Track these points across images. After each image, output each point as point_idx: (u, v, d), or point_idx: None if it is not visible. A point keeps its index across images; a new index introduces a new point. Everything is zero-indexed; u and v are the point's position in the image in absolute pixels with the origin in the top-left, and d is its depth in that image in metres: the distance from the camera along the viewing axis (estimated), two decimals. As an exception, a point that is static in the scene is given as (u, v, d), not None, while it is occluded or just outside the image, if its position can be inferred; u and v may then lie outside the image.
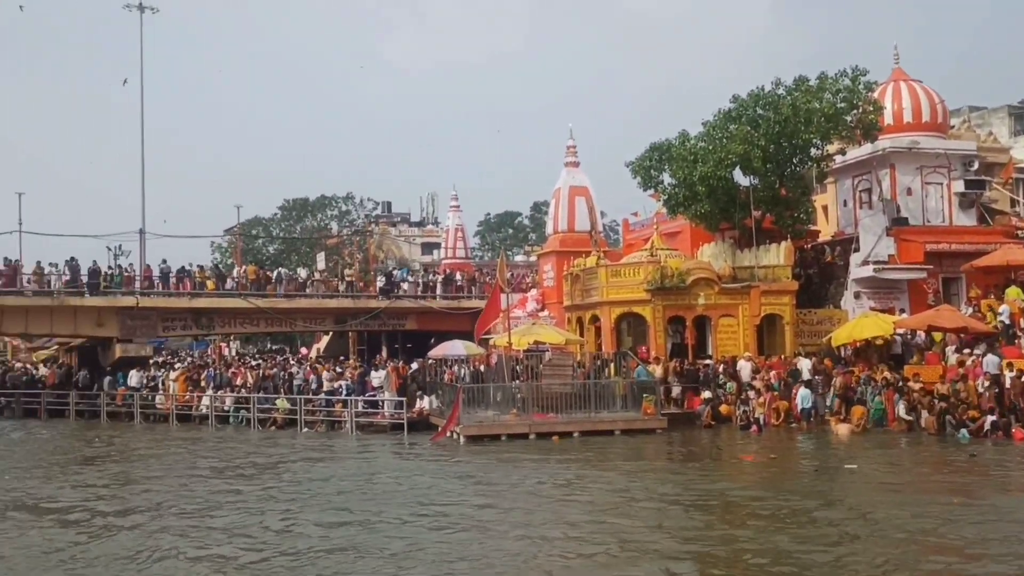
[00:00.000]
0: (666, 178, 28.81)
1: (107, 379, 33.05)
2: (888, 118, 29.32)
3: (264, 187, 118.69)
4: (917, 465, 17.69)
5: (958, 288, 28.79)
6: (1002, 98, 47.71)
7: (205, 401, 29.55)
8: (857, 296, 28.26)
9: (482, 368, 27.31)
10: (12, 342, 57.74)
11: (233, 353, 53.02)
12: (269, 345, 58.27)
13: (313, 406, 27.06)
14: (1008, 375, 20.23)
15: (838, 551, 10.75)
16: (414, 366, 29.29)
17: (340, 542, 11.84)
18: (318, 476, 17.57)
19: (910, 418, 20.99)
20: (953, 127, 34.23)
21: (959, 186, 29.86)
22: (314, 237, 66.71)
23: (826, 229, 34.39)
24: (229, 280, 36.96)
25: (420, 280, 40.99)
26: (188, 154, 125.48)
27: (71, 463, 20.89)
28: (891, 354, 24.56)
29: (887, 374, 22.59)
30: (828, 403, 22.81)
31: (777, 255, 27.13)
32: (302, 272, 41.58)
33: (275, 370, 31.63)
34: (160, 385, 32.02)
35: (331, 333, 44.46)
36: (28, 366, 42.07)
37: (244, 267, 39.83)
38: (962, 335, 23.12)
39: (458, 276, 41.11)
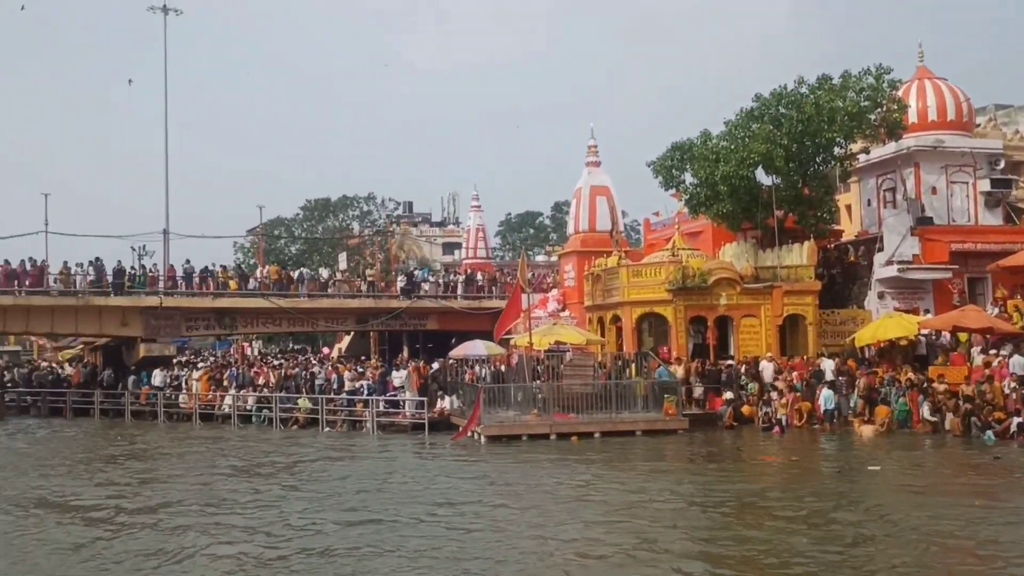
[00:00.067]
0: (688, 177, 28.71)
1: (131, 378, 33.32)
2: (912, 116, 29.06)
3: (286, 187, 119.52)
4: (941, 467, 17.50)
5: (984, 288, 28.47)
6: (1029, 96, 47.13)
7: (228, 400, 29.73)
8: (881, 296, 28.00)
9: (503, 368, 27.29)
10: (38, 341, 58.43)
11: (255, 353, 53.35)
12: (291, 345, 58.55)
13: (335, 406, 27.15)
14: (1034, 376, 19.97)
15: (853, 552, 10.66)
16: (435, 366, 29.33)
17: (358, 541, 11.87)
18: (338, 475, 17.63)
19: (935, 419, 20.77)
20: (979, 125, 33.85)
21: (985, 185, 29.55)
22: (336, 237, 66.97)
23: (849, 229, 34.12)
24: (252, 280, 37.16)
25: (441, 280, 41.04)
26: (211, 155, 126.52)
27: (95, 461, 21.08)
28: (915, 355, 24.32)
29: (911, 375, 22.36)
30: (852, 404, 22.63)
31: (800, 255, 26.94)
32: (324, 272, 41.75)
33: (297, 370, 31.78)
34: (183, 384, 32.26)
35: (353, 333, 44.61)
36: (54, 365, 42.51)
37: (267, 267, 40.05)
38: (988, 336, 22.85)
39: (479, 276, 41.11)
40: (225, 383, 31.29)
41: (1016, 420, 19.23)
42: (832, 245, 30.75)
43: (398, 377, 27.40)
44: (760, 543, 11.27)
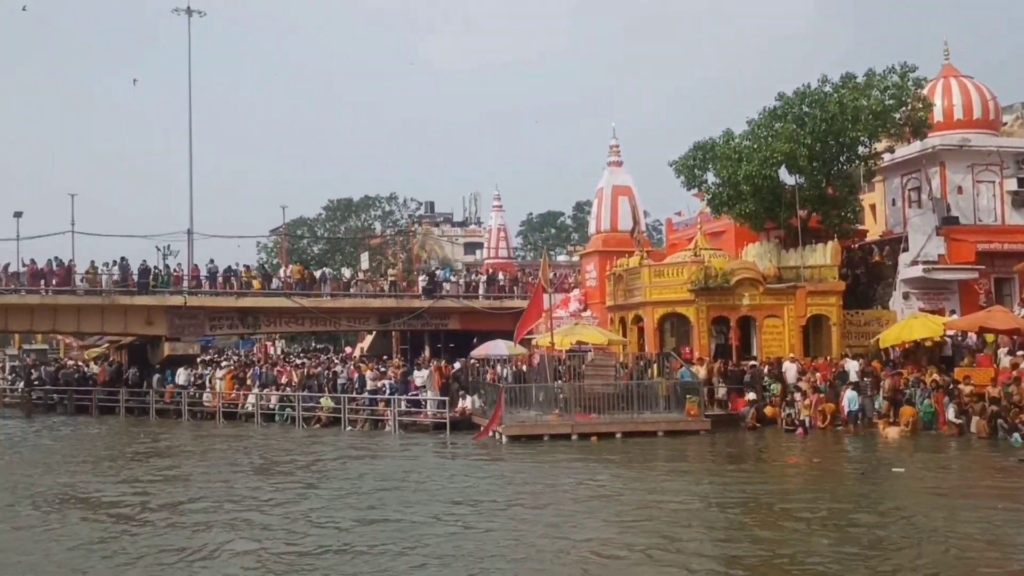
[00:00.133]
0: (710, 177, 28.56)
1: (156, 377, 33.66)
2: (938, 115, 28.81)
3: (309, 188, 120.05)
4: (966, 469, 17.31)
5: (1011, 289, 28.17)
6: (1057, 94, 46.58)
7: (251, 399, 29.94)
8: (906, 297, 27.75)
9: (524, 368, 27.29)
10: (65, 340, 59.01)
11: (278, 352, 53.65)
12: (313, 344, 58.82)
13: (357, 405, 27.26)
14: (1063, 378, 19.73)
15: (871, 554, 10.59)
16: (457, 366, 29.36)
17: (376, 539, 11.93)
18: (359, 474, 17.71)
19: (959, 422, 20.56)
20: (1005, 124, 33.53)
21: (1012, 184, 29.21)
22: (358, 237, 67.22)
23: (874, 228, 33.86)
24: (275, 280, 37.41)
25: (463, 280, 41.10)
26: (234, 157, 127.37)
27: (120, 458, 21.30)
28: (941, 356, 24.09)
29: (937, 376, 22.14)
30: (876, 406, 22.44)
31: (823, 255, 26.75)
32: (346, 272, 41.92)
33: (319, 369, 31.93)
34: (207, 383, 32.50)
35: (375, 332, 44.77)
36: (80, 364, 42.96)
37: (289, 267, 40.27)
38: (1015, 337, 22.57)
39: (501, 276, 41.15)
40: (248, 382, 31.51)
41: (1043, 422, 19.01)
42: (856, 245, 30.50)
43: (420, 377, 27.47)
44: (777, 544, 11.22)
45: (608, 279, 30.53)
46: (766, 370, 24.77)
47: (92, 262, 34.20)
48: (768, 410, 23.43)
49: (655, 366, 25.31)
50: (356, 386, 28.55)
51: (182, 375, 32.75)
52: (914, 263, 27.70)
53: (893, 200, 31.40)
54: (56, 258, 33.89)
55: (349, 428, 26.23)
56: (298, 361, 38.92)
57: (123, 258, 34.45)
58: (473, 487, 15.89)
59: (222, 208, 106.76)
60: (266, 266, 51.87)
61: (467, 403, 25.54)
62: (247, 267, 38.32)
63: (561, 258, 60.55)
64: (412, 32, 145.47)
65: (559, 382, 24.55)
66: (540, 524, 12.68)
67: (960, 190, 28.98)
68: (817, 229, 27.98)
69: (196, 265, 36.74)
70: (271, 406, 29.22)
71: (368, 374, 28.89)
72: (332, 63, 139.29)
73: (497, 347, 27.98)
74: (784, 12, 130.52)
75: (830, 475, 17.03)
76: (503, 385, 23.87)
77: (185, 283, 35.19)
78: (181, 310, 34.17)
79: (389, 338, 45.54)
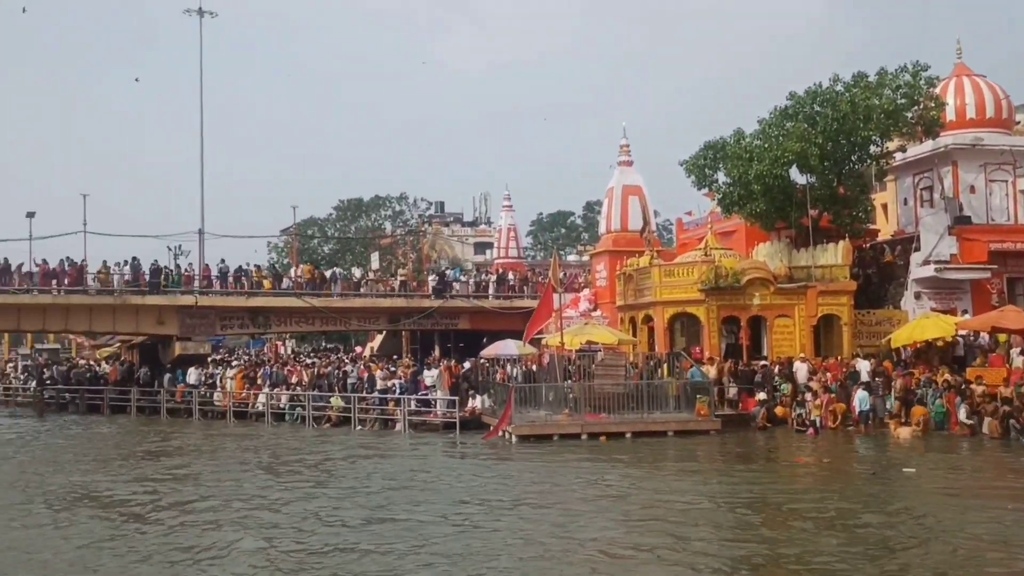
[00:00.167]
0: (721, 177, 28.50)
1: (167, 376, 33.78)
2: (950, 114, 28.70)
3: (319, 188, 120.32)
4: (977, 470, 17.21)
5: (1023, 288, 28.00)
6: (1071, 93, 46.19)
7: (261, 399, 30.02)
8: (918, 296, 27.62)
9: (534, 368, 27.28)
10: (77, 339, 59.30)
11: (288, 351, 53.80)
12: (324, 344, 58.97)
13: (367, 404, 27.29)
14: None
15: (879, 554, 10.56)
16: (466, 365, 29.36)
17: (385, 537, 11.94)
18: (368, 473, 17.74)
19: (971, 422, 20.45)
20: (1019, 123, 33.27)
21: (1025, 183, 29.06)
22: (368, 237, 67.35)
23: (885, 228, 33.72)
24: (285, 279, 37.51)
25: (473, 280, 41.10)
26: (245, 157, 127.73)
27: (131, 457, 21.38)
28: (953, 356, 23.97)
29: (948, 376, 22.03)
30: (888, 406, 22.33)
31: (835, 255, 26.65)
32: (356, 272, 41.98)
33: (330, 368, 31.98)
34: (218, 382, 32.59)
35: (385, 332, 44.83)
36: (92, 363, 43.15)
37: (300, 267, 40.37)
38: (1028, 337, 22.46)
39: (511, 276, 41.14)
40: (259, 381, 31.59)
41: (1056, 423, 18.89)
42: (868, 245, 30.40)
43: (430, 376, 27.47)
44: (785, 544, 11.21)
45: (618, 279, 30.49)
46: (777, 370, 24.69)
47: (104, 262, 34.39)
48: (779, 410, 23.34)
49: (665, 366, 25.25)
50: (366, 386, 28.58)
51: (193, 374, 32.86)
52: (926, 263, 27.56)
53: (905, 199, 31.27)
54: (68, 258, 34.07)
55: (359, 427, 26.26)
56: (308, 361, 39.00)
57: (135, 258, 34.62)
58: (482, 486, 15.89)
59: (233, 208, 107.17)
60: (277, 266, 51.98)
61: (477, 403, 25.54)
62: (258, 267, 38.43)
63: (571, 258, 60.48)
64: (421, 32, 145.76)
65: (569, 382, 24.52)
66: (548, 523, 12.68)
67: (972, 189, 28.84)
68: (828, 229, 27.88)
69: (207, 265, 36.89)
70: (281, 405, 29.28)
71: (378, 374, 28.91)
72: (342, 63, 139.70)
73: (507, 347, 27.97)
74: (793, 10, 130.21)
75: (840, 475, 16.96)
76: (513, 385, 23.84)
77: (196, 283, 35.30)
78: (192, 310, 34.28)
79: (399, 338, 45.59)
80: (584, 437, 21.44)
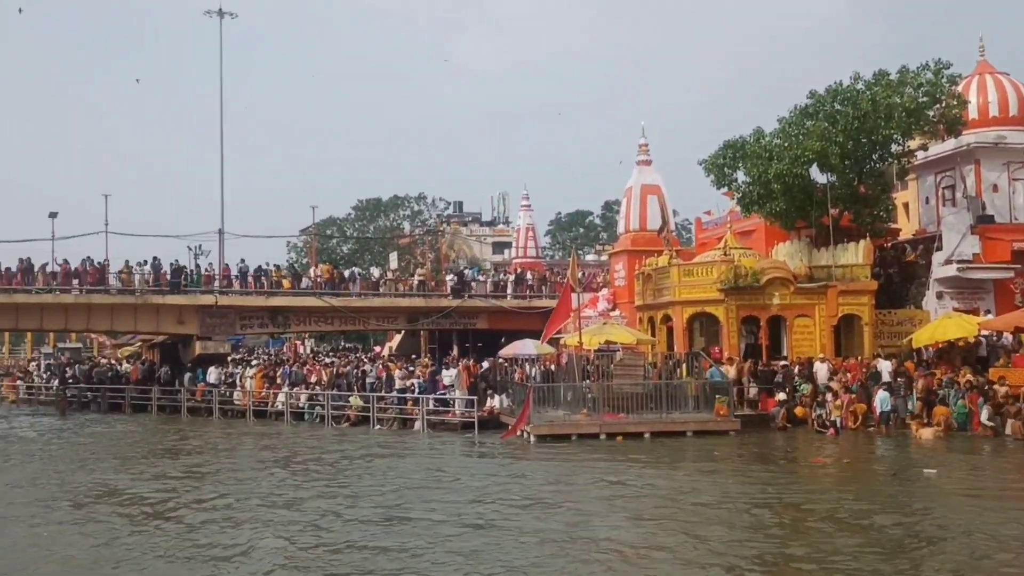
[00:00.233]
0: (740, 176, 28.39)
1: (187, 375, 33.98)
2: (973, 112, 28.48)
3: (338, 188, 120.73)
4: (999, 471, 17.05)
5: (1048, 288, 27.72)
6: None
7: (281, 398, 30.15)
8: (940, 296, 27.41)
9: (553, 368, 27.27)
10: (98, 339, 59.80)
11: (308, 351, 54.00)
12: (343, 343, 59.16)
13: (385, 404, 27.36)
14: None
15: (895, 556, 10.49)
16: (485, 365, 29.41)
17: (402, 536, 11.96)
18: (386, 473, 17.78)
19: (992, 424, 20.25)
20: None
21: (1049, 182, 28.77)
22: (387, 237, 67.50)
23: (907, 227, 33.47)
24: (304, 279, 37.62)
25: (491, 280, 41.11)
26: (265, 157, 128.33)
27: (151, 456, 21.54)
28: (976, 356, 23.76)
29: (971, 377, 21.83)
30: (910, 407, 22.15)
31: (855, 254, 26.48)
32: (375, 271, 42.08)
33: (349, 368, 32.09)
34: (237, 382, 32.79)
35: (403, 332, 44.91)
36: (113, 362, 43.48)
37: (319, 266, 40.49)
38: (1051, 337, 22.25)
39: (529, 275, 41.12)
40: (278, 381, 31.74)
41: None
42: (889, 244, 30.20)
43: (448, 376, 27.53)
44: (800, 545, 11.16)
45: (637, 278, 30.42)
46: (797, 370, 24.55)
47: (127, 261, 34.61)
48: (798, 410, 23.21)
49: (684, 366, 25.17)
50: (385, 385, 28.66)
51: (213, 374, 33.06)
52: (948, 262, 27.35)
53: (927, 198, 31.04)
54: (88, 258, 34.33)
55: (378, 427, 26.34)
56: (327, 360, 39.14)
57: (155, 258, 34.85)
58: (499, 486, 15.88)
59: (253, 208, 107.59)
60: (296, 266, 52.16)
61: (495, 402, 25.56)
62: (277, 267, 38.58)
63: (590, 257, 60.46)
64: (439, 32, 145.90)
65: (587, 382, 24.49)
66: (565, 523, 12.68)
67: (995, 188, 28.60)
68: (849, 228, 27.71)
69: (227, 265, 37.04)
70: (301, 405, 29.41)
71: (397, 373, 29.00)
72: (359, 64, 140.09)
73: (525, 346, 27.97)
74: (811, 6, 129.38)
75: (860, 476, 16.85)
76: (531, 384, 23.85)
77: (216, 283, 35.49)
78: (212, 309, 34.48)
79: (417, 337, 45.67)
80: (603, 437, 21.40)
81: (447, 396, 26.69)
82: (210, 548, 11.63)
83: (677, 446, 20.40)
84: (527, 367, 27.96)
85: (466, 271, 43.54)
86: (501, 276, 42.40)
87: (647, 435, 21.41)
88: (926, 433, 20.67)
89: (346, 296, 36.90)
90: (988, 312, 26.20)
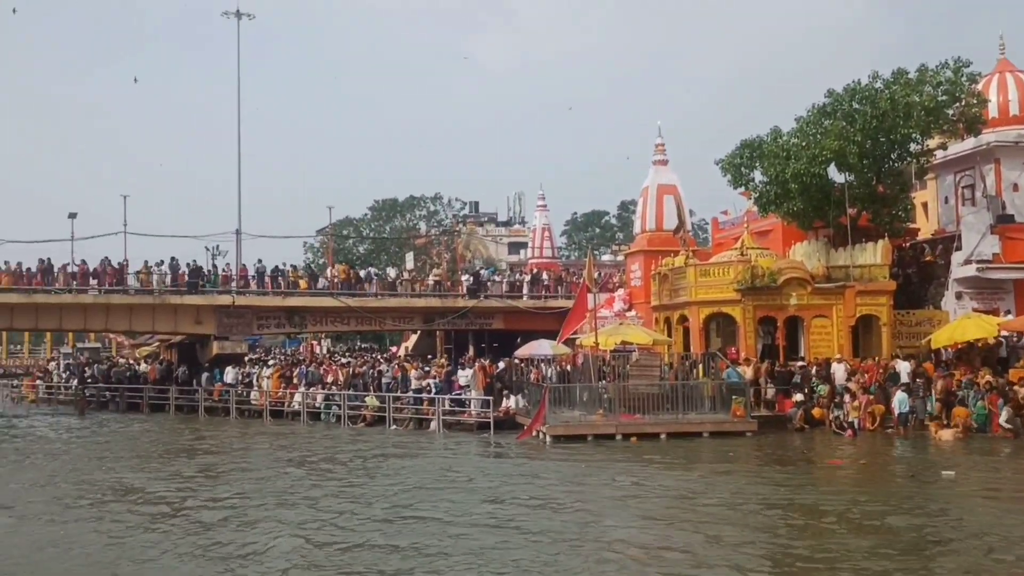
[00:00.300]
0: (757, 176, 28.25)
1: (205, 375, 34.14)
2: (993, 111, 28.27)
3: (355, 188, 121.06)
4: (1019, 473, 16.91)
5: (1068, 289, 27.43)
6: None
7: (297, 398, 30.23)
8: (959, 297, 27.18)
9: (568, 368, 27.22)
10: (117, 339, 60.21)
11: (324, 351, 54.16)
12: (359, 343, 59.33)
13: (401, 404, 27.40)
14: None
15: (907, 558, 10.42)
16: (501, 365, 29.37)
17: (416, 536, 11.98)
18: (402, 472, 17.79)
19: (1011, 425, 20.06)
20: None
21: (1070, 181, 28.48)
22: (403, 237, 67.65)
23: (926, 227, 33.23)
24: (321, 279, 37.77)
25: (507, 280, 41.11)
26: (282, 158, 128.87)
27: (167, 455, 21.66)
28: (996, 357, 23.55)
29: (990, 378, 21.63)
30: (928, 408, 21.97)
31: (874, 254, 26.30)
32: (391, 272, 42.18)
33: (365, 368, 32.15)
34: (254, 382, 32.91)
35: (419, 332, 44.98)
36: (131, 362, 43.77)
37: (335, 267, 40.63)
38: (1073, 338, 22.01)
39: (545, 276, 41.09)
40: (295, 381, 31.83)
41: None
42: (907, 244, 29.99)
43: (464, 376, 27.52)
44: (815, 546, 11.10)
45: (653, 279, 30.33)
46: (814, 371, 24.40)
47: (145, 262, 34.82)
48: (816, 411, 23.06)
49: (700, 366, 25.07)
50: (401, 385, 28.70)
51: (230, 374, 33.19)
52: (967, 262, 27.11)
53: (946, 198, 30.80)
54: (106, 258, 34.56)
55: (394, 427, 26.37)
56: (343, 360, 39.21)
57: (173, 258, 35.07)
58: (514, 486, 15.86)
59: (269, 209, 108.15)
60: (312, 266, 52.39)
61: (511, 403, 25.54)
62: (294, 267, 38.73)
63: (606, 257, 60.31)
64: (454, 32, 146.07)
65: (603, 382, 24.43)
66: (578, 523, 12.67)
67: (1016, 187, 28.34)
68: (867, 228, 27.52)
69: (244, 265, 37.25)
70: (317, 405, 29.50)
71: (413, 373, 29.02)
72: (375, 64, 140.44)
73: (541, 347, 27.95)
74: (830, 4, 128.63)
75: (877, 478, 16.73)
76: (547, 385, 23.81)
77: (233, 283, 35.65)
78: (229, 309, 34.65)
79: (433, 337, 45.73)
80: (619, 438, 21.35)
81: (463, 396, 26.69)
82: (226, 546, 11.68)
83: (693, 447, 20.32)
84: (543, 367, 27.91)
85: (482, 271, 43.58)
86: (517, 276, 42.42)
87: (663, 436, 21.34)
88: (945, 435, 20.50)
89: (362, 296, 37.02)
90: (1008, 312, 25.95)
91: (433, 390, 27.20)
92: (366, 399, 28.11)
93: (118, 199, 36.83)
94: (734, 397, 22.21)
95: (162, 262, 34.68)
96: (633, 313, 33.31)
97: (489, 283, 39.59)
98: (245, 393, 32.29)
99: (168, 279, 34.36)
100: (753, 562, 10.43)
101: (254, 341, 44.55)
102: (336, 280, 37.35)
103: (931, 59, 27.71)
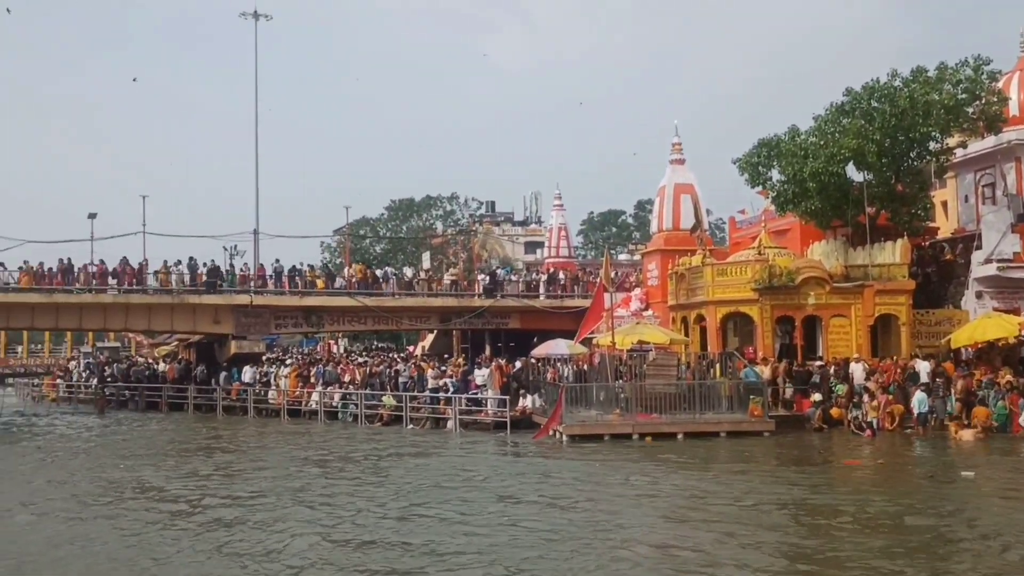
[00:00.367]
0: (775, 174, 28.12)
1: (223, 374, 34.30)
2: (1013, 109, 28.06)
3: (372, 188, 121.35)
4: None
5: (1090, 288, 27.14)
6: None
7: (314, 397, 30.35)
8: (979, 296, 26.95)
9: (585, 367, 27.18)
10: (136, 338, 60.62)
11: (341, 350, 54.30)
12: (376, 343, 59.49)
13: (418, 403, 27.44)
14: None
15: (920, 557, 10.36)
16: (517, 365, 29.37)
17: (430, 534, 12.00)
18: (418, 471, 17.82)
19: (1028, 425, 19.89)
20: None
21: (1092, 179, 28.21)
22: (420, 237, 67.77)
23: (945, 226, 32.98)
24: (338, 279, 37.88)
25: (523, 279, 41.09)
26: (300, 158, 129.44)
27: (186, 453, 21.78)
28: (1017, 357, 23.34)
29: (1011, 377, 21.45)
30: (948, 408, 21.80)
31: (893, 253, 26.13)
32: (408, 271, 42.26)
33: (382, 367, 32.20)
34: (272, 381, 33.05)
35: (436, 331, 45.04)
36: (150, 361, 44.04)
37: (352, 266, 40.73)
38: (1095, 337, 21.79)
39: (561, 275, 41.06)
40: (312, 380, 31.93)
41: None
42: (927, 243, 29.77)
43: (480, 375, 27.53)
44: (830, 547, 11.04)
45: (670, 278, 30.24)
46: (832, 371, 24.26)
47: (165, 262, 35.03)
48: (834, 411, 22.94)
49: (718, 366, 24.98)
50: (417, 385, 28.74)
51: (248, 373, 33.34)
52: (988, 261, 26.89)
53: (966, 196, 30.57)
54: (125, 258, 34.80)
55: (410, 426, 26.42)
56: (361, 360, 39.29)
57: (192, 258, 35.28)
58: (530, 485, 15.86)
59: (287, 209, 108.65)
60: (329, 266, 52.57)
61: (527, 402, 25.53)
62: (311, 267, 38.87)
63: (622, 257, 60.21)
64: (471, 31, 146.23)
65: (620, 382, 24.39)
66: (594, 523, 12.64)
67: (1036, 186, 28.08)
68: (886, 227, 27.34)
69: (262, 265, 37.44)
70: (334, 404, 29.58)
71: (429, 373, 29.06)
72: (392, 64, 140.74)
73: (558, 346, 27.93)
74: (849, 2, 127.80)
75: (895, 478, 16.59)
76: (564, 384, 23.78)
77: (251, 283, 35.82)
78: (247, 309, 34.80)
79: (450, 337, 45.78)
80: (635, 437, 21.31)
81: (479, 396, 26.71)
82: (243, 544, 11.75)
83: (710, 447, 20.25)
84: (559, 367, 27.90)
85: (498, 271, 43.58)
86: (533, 276, 42.41)
87: (680, 436, 21.28)
88: (965, 435, 20.34)
89: (379, 296, 37.11)
90: (1029, 312, 25.72)
91: (450, 389, 27.23)
92: (383, 398, 28.17)
93: (137, 200, 36.94)
94: (752, 397, 22.12)
95: (180, 262, 34.89)
96: (650, 312, 33.22)
97: (505, 283, 39.60)
98: (263, 392, 32.44)
99: (187, 279, 34.56)
100: (765, 561, 10.38)
101: (272, 340, 44.76)
102: (353, 280, 37.45)
103: (951, 57, 27.50)
